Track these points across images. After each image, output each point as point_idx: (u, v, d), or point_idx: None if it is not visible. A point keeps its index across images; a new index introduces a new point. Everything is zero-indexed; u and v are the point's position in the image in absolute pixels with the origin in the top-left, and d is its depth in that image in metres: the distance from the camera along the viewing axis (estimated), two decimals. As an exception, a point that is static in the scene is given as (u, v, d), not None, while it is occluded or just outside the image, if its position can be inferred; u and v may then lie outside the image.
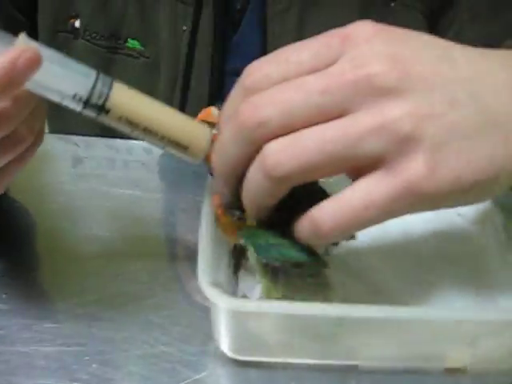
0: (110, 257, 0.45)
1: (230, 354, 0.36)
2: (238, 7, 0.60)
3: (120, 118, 0.32)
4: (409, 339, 0.36)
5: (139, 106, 0.33)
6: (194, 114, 0.37)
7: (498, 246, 0.43)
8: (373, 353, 0.36)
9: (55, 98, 0.31)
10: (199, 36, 0.59)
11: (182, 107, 0.62)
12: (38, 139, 0.35)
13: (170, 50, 0.60)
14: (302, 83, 0.29)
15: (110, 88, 0.32)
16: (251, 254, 0.36)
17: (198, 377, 0.35)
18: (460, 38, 0.58)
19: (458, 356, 0.37)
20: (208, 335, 0.37)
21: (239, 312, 0.32)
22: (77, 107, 0.32)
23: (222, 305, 0.32)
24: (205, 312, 0.37)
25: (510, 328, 0.34)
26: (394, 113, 0.28)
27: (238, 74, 0.61)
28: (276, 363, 0.36)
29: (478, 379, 0.37)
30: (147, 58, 0.62)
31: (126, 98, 0.32)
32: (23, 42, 0.30)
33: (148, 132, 0.33)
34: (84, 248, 0.46)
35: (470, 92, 0.29)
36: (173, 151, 0.34)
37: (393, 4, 0.60)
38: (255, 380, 0.36)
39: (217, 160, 0.32)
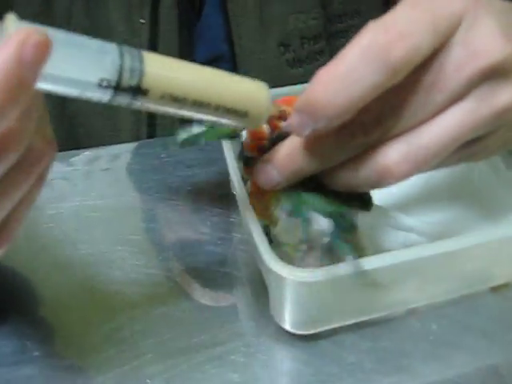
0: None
1: (294, 330, 0.36)
2: None
3: (162, 97, 0.25)
4: (458, 269, 0.37)
5: (181, 75, 0.25)
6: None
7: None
8: (425, 293, 0.38)
9: (73, 92, 0.23)
10: (161, 28, 0.55)
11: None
12: (52, 147, 0.27)
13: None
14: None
15: (141, 61, 0.24)
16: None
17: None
18: None
19: (502, 273, 0.39)
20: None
21: (310, 283, 0.32)
22: (104, 97, 0.24)
23: (290, 277, 0.32)
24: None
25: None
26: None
27: (208, 62, 0.60)
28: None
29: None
30: None
31: (164, 70, 0.25)
32: (14, 25, 0.21)
33: (198, 105, 0.26)
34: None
35: None
36: (229, 121, 0.28)
37: None
38: (327, 351, 0.37)
39: (335, 89, 0.26)
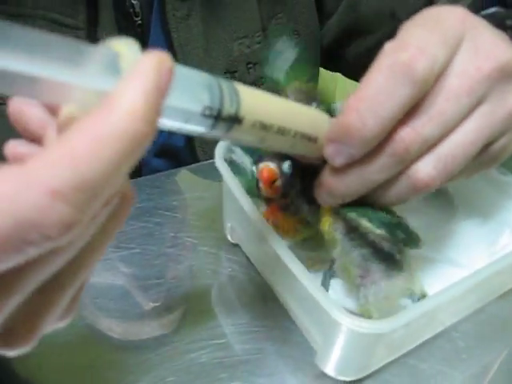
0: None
1: (339, 376, 0.35)
2: (139, 21, 0.52)
3: (254, 125, 0.25)
4: (487, 288, 0.38)
5: (268, 104, 0.26)
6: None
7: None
8: (462, 310, 0.38)
9: (175, 124, 0.22)
10: None
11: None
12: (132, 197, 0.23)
13: None
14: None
15: (236, 91, 0.23)
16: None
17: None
18: (357, 12, 0.62)
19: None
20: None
21: (367, 334, 0.30)
22: (203, 127, 0.23)
23: (348, 324, 0.30)
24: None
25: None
26: None
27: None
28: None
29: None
30: None
31: (255, 99, 0.25)
32: (131, 48, 0.19)
33: (281, 132, 0.26)
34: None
35: None
36: (301, 148, 0.28)
37: None
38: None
39: (365, 113, 0.26)
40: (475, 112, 0.28)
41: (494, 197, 0.42)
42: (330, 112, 0.31)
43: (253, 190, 0.35)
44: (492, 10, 0.41)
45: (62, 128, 0.21)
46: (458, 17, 0.28)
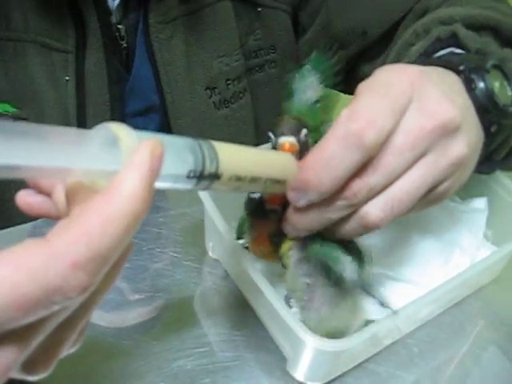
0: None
1: (308, 382, 0.40)
2: (125, 45, 0.56)
3: (230, 179, 0.28)
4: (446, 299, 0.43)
5: (241, 159, 0.30)
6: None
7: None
8: (416, 322, 0.44)
9: (165, 185, 0.26)
10: (88, 85, 0.54)
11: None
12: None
13: (55, 105, 0.54)
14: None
15: (215, 151, 0.27)
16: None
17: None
18: (330, 29, 0.66)
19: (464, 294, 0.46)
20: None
21: (330, 351, 0.35)
22: (189, 185, 0.27)
23: (312, 344, 0.35)
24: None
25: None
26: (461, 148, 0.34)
27: (139, 113, 0.59)
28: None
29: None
30: (25, 119, 0.54)
31: (230, 154, 0.29)
32: (131, 135, 0.23)
33: (253, 181, 0.30)
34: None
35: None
36: (270, 190, 0.32)
37: (260, 9, 0.63)
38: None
39: (321, 173, 0.31)
40: (420, 162, 0.33)
41: (444, 220, 0.48)
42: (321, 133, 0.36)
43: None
44: (446, 51, 0.46)
45: (71, 190, 0.25)
46: (407, 79, 0.33)
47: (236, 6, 0.61)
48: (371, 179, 0.32)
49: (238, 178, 0.29)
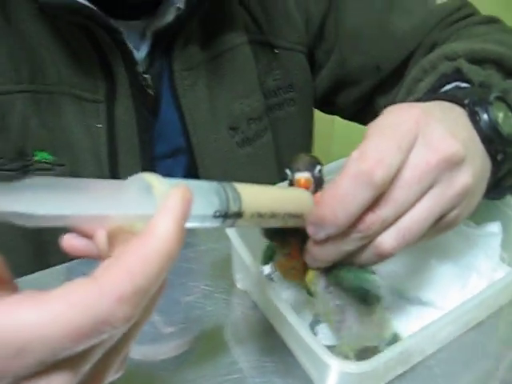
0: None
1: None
2: (151, 92, 0.60)
3: (252, 216, 0.32)
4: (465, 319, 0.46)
5: (262, 195, 0.33)
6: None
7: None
8: (438, 343, 0.45)
9: (195, 224, 0.29)
10: (118, 131, 0.58)
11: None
12: None
13: (88, 151, 0.58)
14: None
15: (237, 191, 0.31)
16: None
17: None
18: (345, 66, 0.70)
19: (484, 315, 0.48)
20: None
21: (354, 373, 0.38)
22: (216, 224, 0.30)
23: (336, 367, 0.37)
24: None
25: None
26: (466, 179, 0.37)
27: (167, 156, 0.63)
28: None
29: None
30: (62, 165, 0.59)
31: (251, 193, 0.32)
32: (163, 183, 0.27)
33: (273, 217, 0.33)
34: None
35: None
36: (290, 223, 0.35)
37: (277, 51, 0.67)
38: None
39: (336, 209, 0.34)
40: (428, 194, 0.36)
41: (461, 245, 0.50)
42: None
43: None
44: (452, 85, 0.49)
45: (111, 234, 0.29)
46: (412, 118, 0.36)
47: (254, 49, 0.66)
48: (383, 212, 0.34)
49: (259, 215, 0.33)
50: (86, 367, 0.26)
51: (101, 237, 0.31)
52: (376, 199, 0.34)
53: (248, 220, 0.32)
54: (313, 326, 0.45)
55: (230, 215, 0.30)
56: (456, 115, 0.41)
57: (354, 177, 0.33)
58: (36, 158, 0.57)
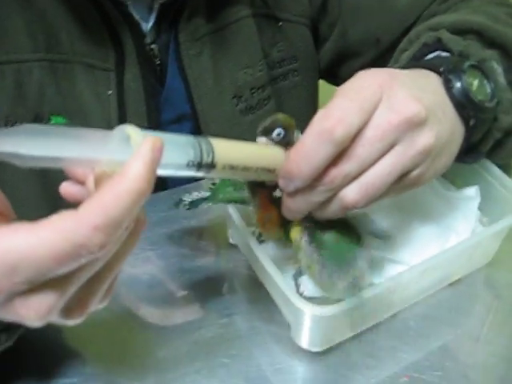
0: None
1: (310, 348, 0.46)
2: (158, 62, 0.64)
3: (224, 167, 0.35)
4: (432, 278, 0.48)
5: (234, 150, 0.36)
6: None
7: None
8: (411, 297, 0.49)
9: (169, 172, 0.33)
10: (128, 98, 0.61)
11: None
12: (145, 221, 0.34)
13: (99, 116, 0.61)
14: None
15: (211, 144, 0.34)
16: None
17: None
18: (347, 38, 0.72)
19: (458, 273, 0.51)
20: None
21: (324, 316, 0.41)
22: (190, 172, 0.34)
23: (309, 312, 0.41)
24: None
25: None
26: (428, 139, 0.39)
27: (173, 121, 0.67)
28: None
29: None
30: None
31: (224, 148, 0.35)
32: (139, 133, 0.31)
33: (246, 170, 0.37)
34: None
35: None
36: (263, 177, 0.39)
37: (280, 23, 0.70)
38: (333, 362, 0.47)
39: (301, 164, 0.37)
40: (390, 152, 0.38)
41: (441, 208, 0.52)
42: None
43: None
44: (434, 54, 0.51)
45: (97, 178, 0.33)
46: (376, 82, 0.39)
47: (258, 22, 0.68)
48: (346, 167, 0.37)
49: (231, 167, 0.36)
50: (71, 290, 0.31)
51: (89, 182, 0.35)
52: (339, 155, 0.37)
53: (220, 171, 0.35)
54: (296, 277, 0.49)
55: (203, 165, 0.34)
56: (428, 81, 0.44)
57: (316, 134, 0.37)
58: (52, 122, 0.62)
